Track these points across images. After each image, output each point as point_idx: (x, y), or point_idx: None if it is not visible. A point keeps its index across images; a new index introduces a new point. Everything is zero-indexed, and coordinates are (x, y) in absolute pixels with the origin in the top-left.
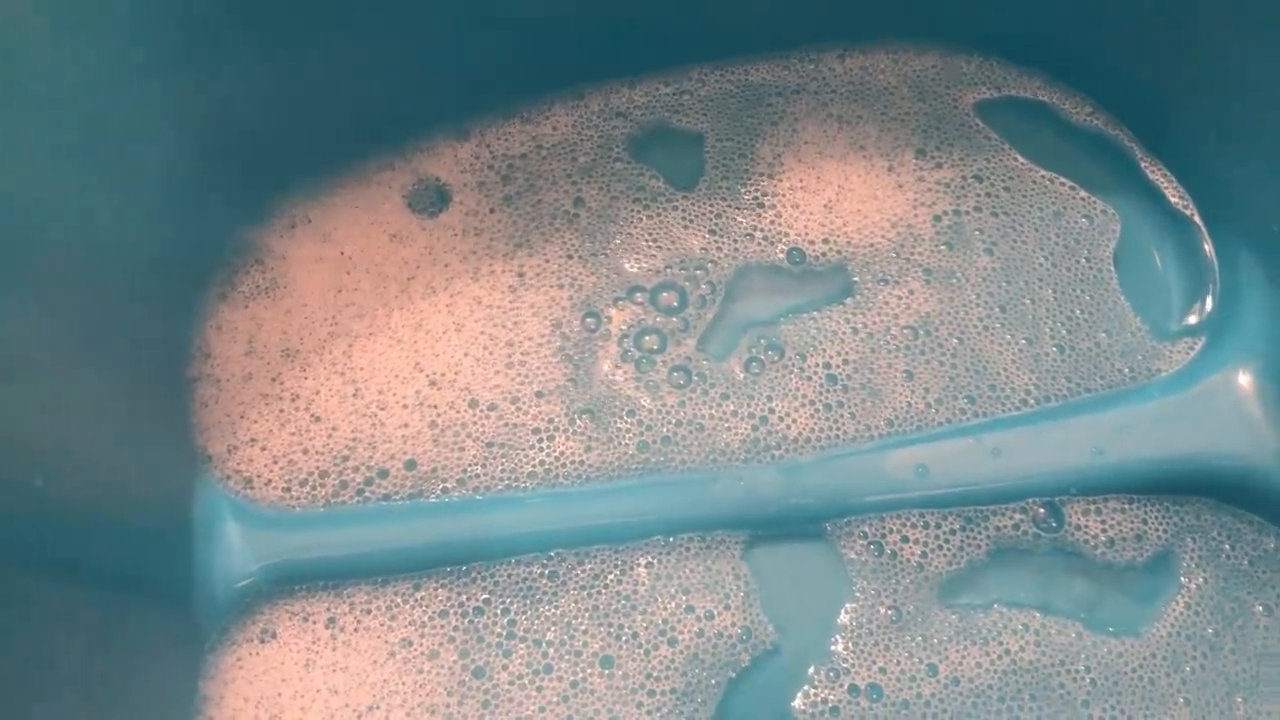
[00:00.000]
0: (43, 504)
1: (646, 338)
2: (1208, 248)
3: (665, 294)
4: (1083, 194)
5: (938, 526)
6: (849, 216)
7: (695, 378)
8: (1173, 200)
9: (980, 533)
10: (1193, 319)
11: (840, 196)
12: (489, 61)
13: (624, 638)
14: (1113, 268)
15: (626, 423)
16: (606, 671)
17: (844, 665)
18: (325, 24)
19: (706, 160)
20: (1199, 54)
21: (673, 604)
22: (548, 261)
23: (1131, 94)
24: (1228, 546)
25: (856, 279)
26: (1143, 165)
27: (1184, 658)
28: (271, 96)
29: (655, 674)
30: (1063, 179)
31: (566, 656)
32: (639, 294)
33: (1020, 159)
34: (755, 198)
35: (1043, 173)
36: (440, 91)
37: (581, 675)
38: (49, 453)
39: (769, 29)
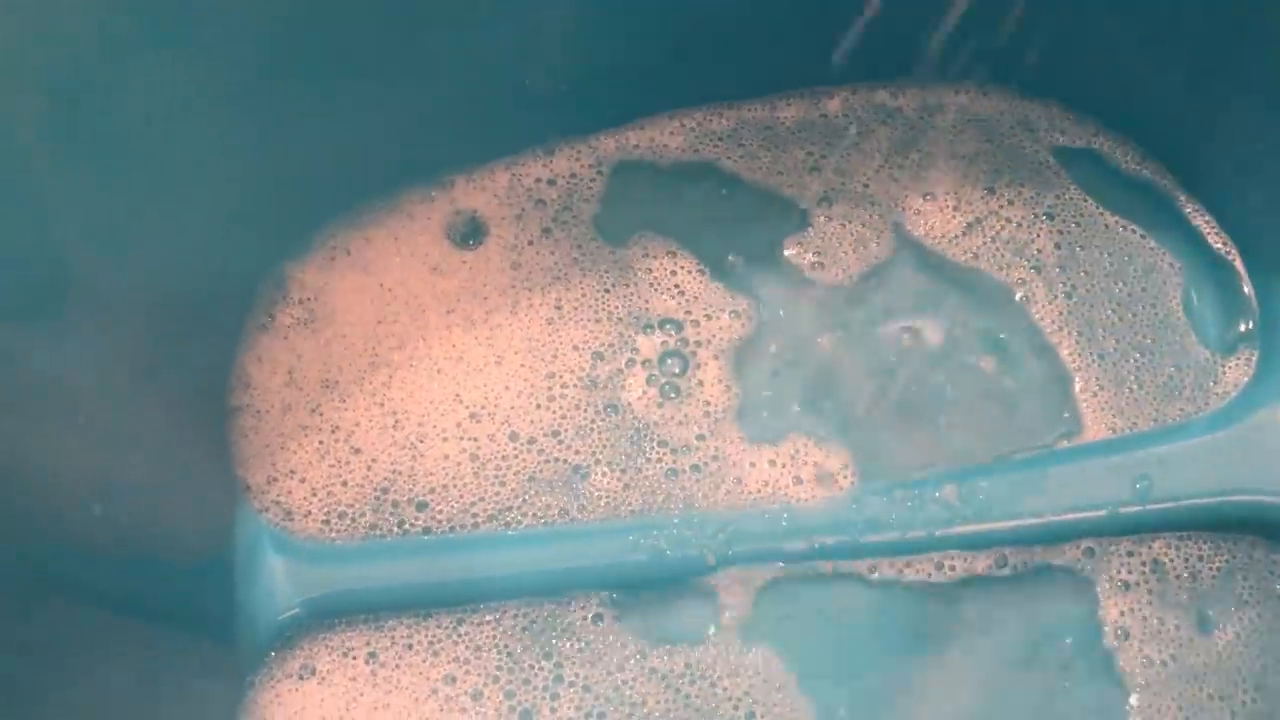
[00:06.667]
0: (91, 534)
1: (669, 361)
2: (1249, 289)
3: (698, 325)
4: (1152, 242)
5: (981, 562)
6: (908, 248)
7: (727, 410)
8: (1215, 244)
9: (1025, 568)
10: (1237, 358)
11: (901, 227)
12: (526, 96)
13: (671, 678)
14: (1180, 311)
15: (659, 452)
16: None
17: (883, 698)
18: (365, 60)
19: (752, 191)
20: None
21: (718, 643)
22: (584, 295)
23: (1172, 139)
24: (1278, 585)
25: (902, 306)
26: (1186, 210)
27: (1233, 694)
28: (311, 131)
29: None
30: (1132, 225)
31: (615, 702)
32: (669, 326)
33: (1088, 201)
34: (806, 221)
35: (1113, 217)
36: (478, 125)
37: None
38: (98, 483)
39: (827, 69)
